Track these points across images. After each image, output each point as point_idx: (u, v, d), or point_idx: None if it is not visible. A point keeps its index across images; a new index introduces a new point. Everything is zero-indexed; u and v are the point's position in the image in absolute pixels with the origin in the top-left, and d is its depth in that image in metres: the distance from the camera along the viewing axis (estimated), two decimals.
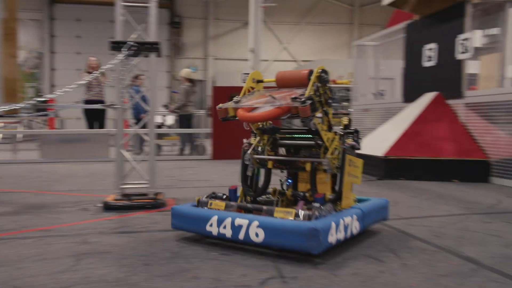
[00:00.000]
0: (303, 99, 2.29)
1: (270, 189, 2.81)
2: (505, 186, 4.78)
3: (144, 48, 3.48)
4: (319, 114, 2.51)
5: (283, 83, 2.69)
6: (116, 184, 3.66)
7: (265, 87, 2.87)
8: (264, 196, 2.81)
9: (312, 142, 2.59)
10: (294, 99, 2.32)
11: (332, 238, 2.25)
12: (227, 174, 5.88)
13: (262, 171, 2.82)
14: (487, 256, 2.29)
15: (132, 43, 3.44)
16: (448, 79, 5.75)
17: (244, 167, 2.77)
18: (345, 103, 15.77)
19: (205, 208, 2.61)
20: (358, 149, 2.63)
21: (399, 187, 4.65)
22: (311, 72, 2.51)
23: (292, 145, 2.76)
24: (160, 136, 9.68)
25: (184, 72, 9.38)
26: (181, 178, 5.56)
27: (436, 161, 5.16)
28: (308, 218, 2.25)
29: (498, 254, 2.32)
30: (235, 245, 2.47)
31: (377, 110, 7.94)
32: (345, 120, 2.69)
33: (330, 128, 2.59)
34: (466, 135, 5.35)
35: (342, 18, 21.82)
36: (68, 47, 18.79)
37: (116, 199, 3.57)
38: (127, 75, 3.77)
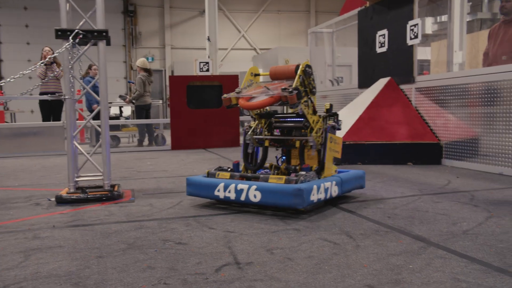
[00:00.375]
0: (290, 90, 2.81)
1: (267, 165, 3.39)
2: (455, 167, 4.98)
3: (92, 36, 3.37)
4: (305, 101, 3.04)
5: (276, 76, 3.24)
6: (69, 177, 3.56)
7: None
8: (262, 170, 3.37)
9: (301, 124, 3.11)
10: (284, 89, 2.84)
11: (314, 197, 2.81)
12: (186, 164, 5.83)
13: (260, 149, 3.39)
14: (435, 234, 2.38)
15: (78, 31, 3.33)
16: (400, 64, 5.90)
17: (245, 146, 3.34)
18: None
19: (214, 178, 3.17)
20: (339, 129, 3.20)
21: None
22: (297, 66, 3.04)
23: (285, 127, 3.28)
24: (118, 127, 9.48)
25: (140, 61, 9.19)
26: (140, 169, 5.47)
27: (391, 145, 5.30)
28: (295, 182, 2.79)
29: (445, 231, 2.42)
30: (192, 234, 2.46)
31: (335, 96, 8.06)
32: (327, 105, 3.22)
33: (314, 112, 3.13)
34: (419, 119, 5.52)
35: (299, 6, 21.93)
36: (16, 37, 17.96)
37: (69, 193, 3.47)
38: (78, 65, 3.65)
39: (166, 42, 20.19)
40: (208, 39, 10.00)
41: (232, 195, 2.94)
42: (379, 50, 6.37)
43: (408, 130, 5.39)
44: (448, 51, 5.45)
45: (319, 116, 3.18)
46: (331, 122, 3.18)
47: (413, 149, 5.25)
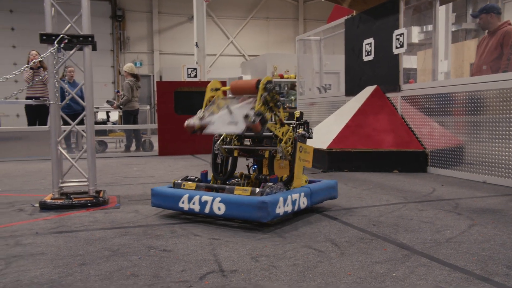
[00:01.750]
0: (253, 119, 2.70)
1: (238, 173, 3.28)
2: (440, 175, 5.03)
3: (77, 41, 3.35)
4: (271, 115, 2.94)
5: (236, 91, 3.12)
6: (54, 183, 3.52)
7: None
8: (233, 180, 3.25)
9: (272, 134, 3.06)
10: (246, 117, 2.73)
11: (280, 210, 2.70)
12: (173, 170, 5.80)
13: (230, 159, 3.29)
14: (419, 242, 2.40)
15: (63, 35, 3.31)
16: (386, 73, 5.97)
17: (214, 156, 3.26)
18: (292, 97, 16.00)
19: (179, 188, 3.06)
20: (309, 137, 3.12)
21: (342, 179, 4.78)
22: (258, 81, 2.92)
23: (255, 136, 3.22)
24: (105, 132, 9.41)
25: (127, 67, 9.15)
26: (126, 175, 5.43)
27: (377, 152, 5.34)
28: (261, 194, 2.70)
29: (429, 239, 2.44)
30: (177, 241, 2.45)
31: (322, 103, 8.11)
32: (297, 113, 3.20)
33: (282, 124, 3.04)
34: (404, 127, 5.58)
35: (287, 13, 22.06)
36: (1, 40, 17.77)
37: (54, 198, 3.43)
38: (63, 70, 3.63)
39: (154, 48, 20.15)
40: (196, 45, 10.00)
41: (197, 207, 2.83)
42: (365, 58, 6.43)
43: (394, 138, 5.44)
44: (433, 60, 5.53)
45: (289, 125, 3.11)
46: (301, 131, 3.10)
47: (399, 157, 5.30)
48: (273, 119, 2.99)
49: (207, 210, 2.79)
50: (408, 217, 2.99)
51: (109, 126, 9.59)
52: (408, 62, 7.18)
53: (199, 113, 3.07)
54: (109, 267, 2.04)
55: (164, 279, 1.88)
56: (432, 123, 5.23)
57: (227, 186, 2.92)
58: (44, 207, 3.34)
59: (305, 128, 3.14)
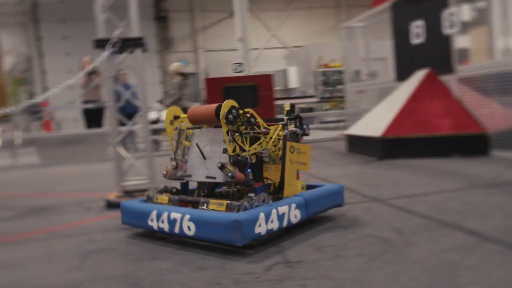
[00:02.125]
0: (230, 174, 2.30)
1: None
2: (506, 158, 4.78)
3: (128, 44, 3.46)
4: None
5: (195, 120, 2.65)
6: (116, 182, 3.67)
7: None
8: (223, 187, 2.78)
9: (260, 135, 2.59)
10: (222, 167, 2.32)
11: (261, 228, 2.18)
12: None
13: None
14: (490, 228, 2.30)
15: (115, 40, 3.42)
16: (438, 55, 5.74)
17: None
18: (339, 86, 15.77)
19: (150, 203, 2.62)
20: (304, 134, 2.63)
21: (399, 166, 4.66)
22: (218, 108, 2.40)
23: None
24: (157, 131, 9.65)
25: (174, 66, 9.34)
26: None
27: (434, 137, 5.16)
28: (237, 209, 2.22)
29: (500, 225, 2.34)
30: None
31: (372, 90, 7.94)
32: (287, 106, 2.67)
33: (266, 132, 2.57)
34: (461, 110, 5.36)
35: (328, 1, 21.71)
36: (56, 49, 18.59)
37: (118, 197, 3.57)
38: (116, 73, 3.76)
39: (198, 45, 20.43)
40: (240, 40, 10.05)
41: (166, 226, 2.36)
42: (415, 41, 6.22)
43: (451, 122, 5.23)
44: (489, 38, 5.27)
45: (277, 122, 2.65)
46: (291, 127, 2.58)
47: (457, 141, 5.09)
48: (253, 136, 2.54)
49: (176, 230, 2.31)
50: (475, 202, 2.88)
51: (161, 125, 9.83)
52: (460, 42, 6.88)
53: (172, 161, 2.71)
54: (178, 260, 2.10)
55: (231, 271, 1.92)
56: (493, 104, 4.99)
57: (202, 199, 2.46)
58: (110, 205, 3.49)
59: (298, 124, 2.62)
